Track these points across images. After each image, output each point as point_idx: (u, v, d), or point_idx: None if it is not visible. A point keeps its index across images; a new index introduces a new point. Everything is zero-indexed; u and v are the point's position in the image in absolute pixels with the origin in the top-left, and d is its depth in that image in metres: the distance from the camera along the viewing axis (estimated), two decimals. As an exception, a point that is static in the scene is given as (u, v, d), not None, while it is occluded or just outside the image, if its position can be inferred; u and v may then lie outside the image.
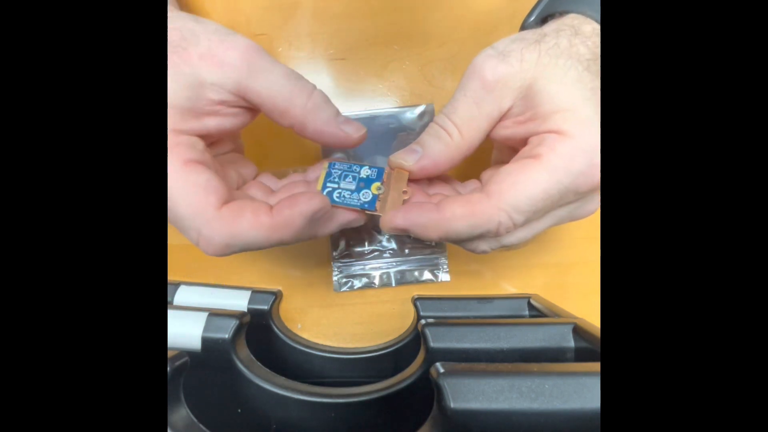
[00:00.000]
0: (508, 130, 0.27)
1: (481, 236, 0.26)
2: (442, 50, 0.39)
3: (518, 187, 0.23)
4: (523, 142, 0.26)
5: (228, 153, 0.31)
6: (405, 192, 0.28)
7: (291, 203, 0.24)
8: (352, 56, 0.39)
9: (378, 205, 0.28)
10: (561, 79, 0.24)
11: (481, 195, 0.24)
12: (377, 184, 0.28)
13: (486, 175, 0.30)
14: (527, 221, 0.25)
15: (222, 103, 0.25)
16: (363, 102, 0.39)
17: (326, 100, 0.27)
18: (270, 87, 0.25)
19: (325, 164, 0.29)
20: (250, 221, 0.24)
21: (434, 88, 0.39)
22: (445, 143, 0.27)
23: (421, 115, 0.39)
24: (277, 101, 0.26)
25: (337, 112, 0.27)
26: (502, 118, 0.26)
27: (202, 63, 0.24)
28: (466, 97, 0.26)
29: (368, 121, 0.38)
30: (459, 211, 0.24)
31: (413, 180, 0.28)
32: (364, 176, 0.29)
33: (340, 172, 0.29)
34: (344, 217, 0.27)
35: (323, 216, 0.26)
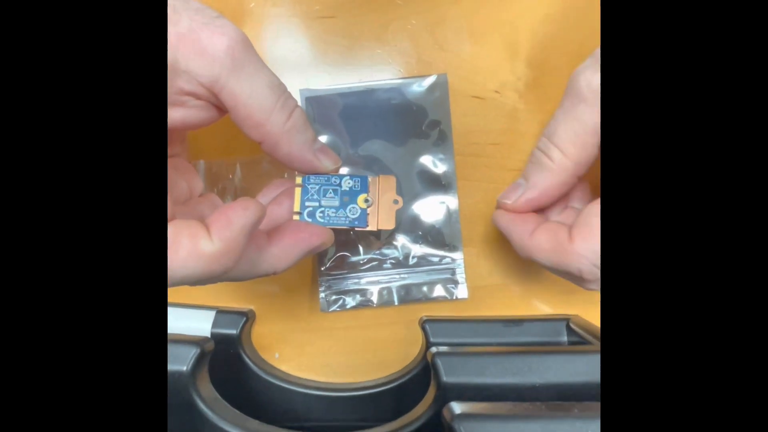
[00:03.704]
0: None
1: (571, 276, 0.28)
2: (458, 7, 0.37)
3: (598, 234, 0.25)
4: None
5: (175, 156, 0.31)
6: (396, 201, 0.30)
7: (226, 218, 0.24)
8: (344, 13, 0.38)
9: (369, 219, 0.30)
10: None
11: (567, 235, 0.26)
12: (363, 195, 0.30)
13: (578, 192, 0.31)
14: None
15: (191, 94, 0.26)
16: (357, 72, 0.38)
17: (305, 121, 0.28)
18: (251, 93, 0.25)
19: (298, 179, 0.30)
20: (187, 249, 0.23)
21: (447, 53, 0.37)
22: (548, 169, 0.28)
23: (432, 88, 0.37)
24: (253, 111, 0.26)
25: (314, 137, 0.29)
26: None
27: (179, 45, 0.24)
28: (566, 114, 0.28)
29: (364, 95, 0.37)
30: (545, 244, 0.27)
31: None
32: (347, 188, 0.30)
33: (317, 186, 0.30)
34: (306, 244, 0.28)
35: (281, 247, 0.27)
